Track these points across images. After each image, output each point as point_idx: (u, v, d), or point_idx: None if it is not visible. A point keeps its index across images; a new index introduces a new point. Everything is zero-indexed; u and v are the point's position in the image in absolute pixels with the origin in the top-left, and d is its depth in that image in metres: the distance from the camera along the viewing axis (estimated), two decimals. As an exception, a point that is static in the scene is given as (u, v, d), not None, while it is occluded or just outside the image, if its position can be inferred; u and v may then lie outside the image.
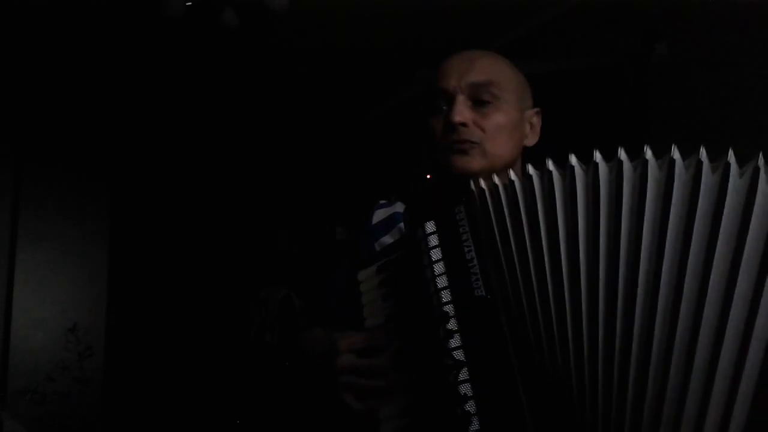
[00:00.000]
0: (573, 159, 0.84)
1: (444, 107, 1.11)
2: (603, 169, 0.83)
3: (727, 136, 2.49)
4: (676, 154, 0.79)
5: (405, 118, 4.00)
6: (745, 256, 0.76)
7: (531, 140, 1.16)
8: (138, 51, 3.99)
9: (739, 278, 0.76)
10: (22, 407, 3.86)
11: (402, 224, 1.14)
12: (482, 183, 0.90)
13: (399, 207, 1.19)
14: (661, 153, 0.84)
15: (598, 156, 0.83)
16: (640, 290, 0.79)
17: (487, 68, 1.12)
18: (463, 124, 1.08)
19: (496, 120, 1.10)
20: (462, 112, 1.08)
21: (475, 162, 1.08)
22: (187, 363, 4.49)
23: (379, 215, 1.19)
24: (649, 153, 0.81)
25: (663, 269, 0.78)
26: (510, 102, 1.11)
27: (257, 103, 4.78)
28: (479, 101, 1.10)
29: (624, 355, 0.79)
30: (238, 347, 4.41)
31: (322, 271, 1.27)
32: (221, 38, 3.64)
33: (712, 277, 0.77)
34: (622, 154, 0.82)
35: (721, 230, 0.77)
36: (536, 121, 1.18)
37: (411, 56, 3.78)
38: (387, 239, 1.14)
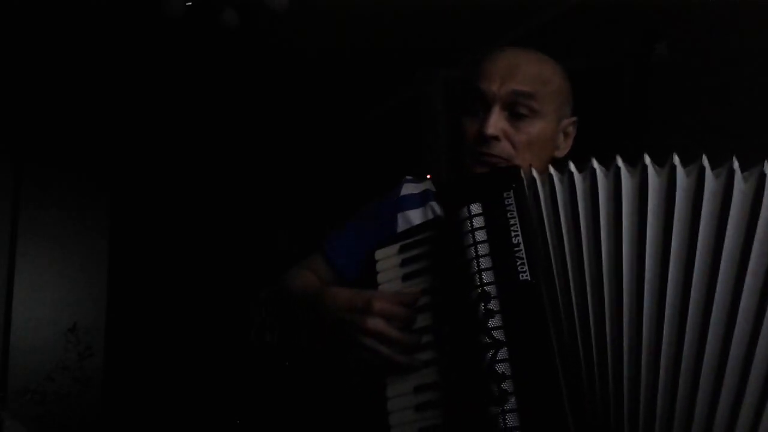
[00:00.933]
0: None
1: (479, 111, 1.09)
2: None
3: (727, 136, 2.49)
4: (735, 164, 0.82)
5: (405, 118, 4.00)
6: None
7: (562, 151, 1.14)
8: (138, 51, 3.99)
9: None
10: (22, 407, 3.86)
11: (433, 203, 1.13)
12: (534, 172, 0.90)
13: (429, 185, 1.18)
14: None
15: (676, 159, 0.84)
16: (693, 291, 0.80)
17: (532, 77, 1.09)
18: (496, 138, 1.07)
19: (529, 135, 1.08)
20: (496, 124, 1.07)
21: None
22: (187, 363, 4.49)
23: (408, 188, 1.19)
24: (705, 161, 0.82)
25: (720, 271, 0.80)
26: (548, 115, 1.09)
27: (257, 103, 4.78)
28: (516, 114, 1.08)
29: (673, 354, 0.80)
30: (238, 347, 4.42)
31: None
32: (221, 38, 3.64)
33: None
34: (675, 159, 0.84)
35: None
36: (571, 131, 1.15)
37: (411, 56, 3.78)
38: (414, 213, 1.13)
